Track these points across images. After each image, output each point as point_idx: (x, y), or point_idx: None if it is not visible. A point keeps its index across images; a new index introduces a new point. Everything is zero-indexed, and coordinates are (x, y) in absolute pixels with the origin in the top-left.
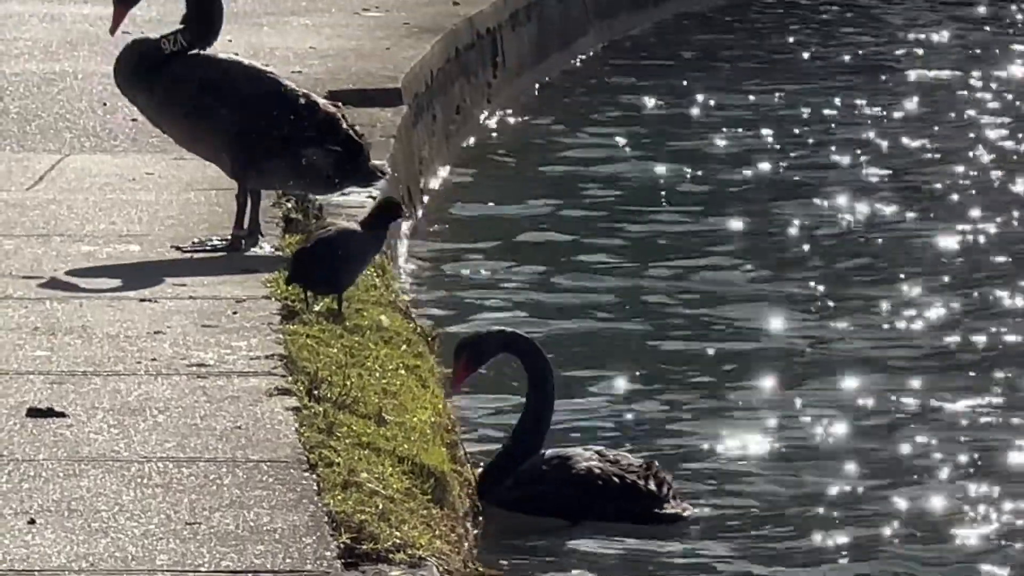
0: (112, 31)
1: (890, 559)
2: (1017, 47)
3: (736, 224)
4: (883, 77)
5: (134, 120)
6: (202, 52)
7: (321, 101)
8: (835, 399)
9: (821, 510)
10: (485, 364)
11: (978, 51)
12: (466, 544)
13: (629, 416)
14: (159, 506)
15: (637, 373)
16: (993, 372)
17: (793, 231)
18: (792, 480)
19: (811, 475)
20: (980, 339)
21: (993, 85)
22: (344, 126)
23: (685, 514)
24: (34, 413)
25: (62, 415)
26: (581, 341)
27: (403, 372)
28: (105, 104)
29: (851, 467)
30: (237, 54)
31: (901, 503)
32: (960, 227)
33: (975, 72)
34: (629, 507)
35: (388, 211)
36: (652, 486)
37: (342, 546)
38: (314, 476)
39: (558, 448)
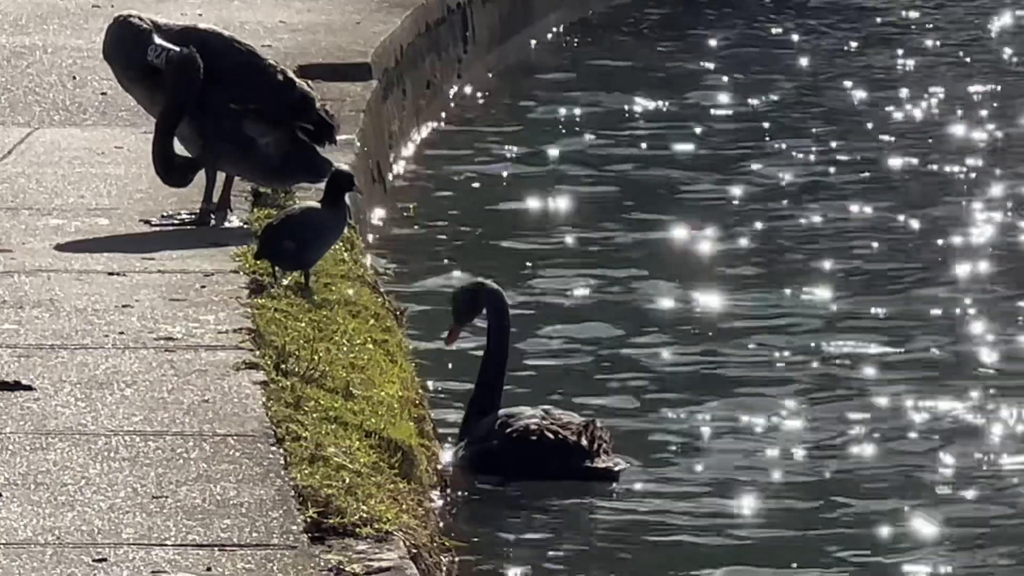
0: None
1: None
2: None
3: (717, 202)
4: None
5: (103, 94)
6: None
7: (298, 80)
8: (800, 376)
9: (771, 476)
10: (472, 316)
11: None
12: (433, 518)
13: (597, 381)
14: (126, 480)
15: (610, 342)
16: (995, 374)
17: (788, 223)
18: (754, 452)
19: (777, 447)
20: (982, 344)
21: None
22: (317, 106)
23: (616, 469)
24: (1, 386)
25: (29, 388)
26: (550, 314)
27: (371, 346)
28: (75, 78)
29: (800, 439)
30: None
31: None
32: (969, 229)
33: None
34: (561, 463)
35: (340, 183)
36: (583, 442)
37: (309, 520)
38: (281, 450)
39: (510, 407)
